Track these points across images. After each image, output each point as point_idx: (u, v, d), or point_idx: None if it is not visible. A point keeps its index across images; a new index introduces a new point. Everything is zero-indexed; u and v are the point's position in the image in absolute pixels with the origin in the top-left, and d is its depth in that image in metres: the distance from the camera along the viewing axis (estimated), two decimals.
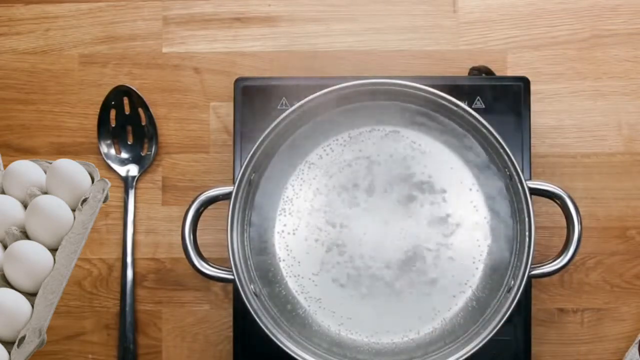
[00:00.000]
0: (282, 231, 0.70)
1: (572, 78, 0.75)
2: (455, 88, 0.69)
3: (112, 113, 0.76)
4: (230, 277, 0.66)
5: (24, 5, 0.77)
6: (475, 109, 0.67)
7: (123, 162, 0.76)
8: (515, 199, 0.67)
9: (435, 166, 0.70)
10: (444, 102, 0.66)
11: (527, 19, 0.76)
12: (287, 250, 0.70)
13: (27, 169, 0.63)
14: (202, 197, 0.66)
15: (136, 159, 0.76)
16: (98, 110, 0.76)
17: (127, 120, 0.76)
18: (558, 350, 0.73)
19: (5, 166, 0.65)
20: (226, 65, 0.76)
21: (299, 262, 0.70)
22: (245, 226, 0.69)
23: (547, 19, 0.76)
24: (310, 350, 0.66)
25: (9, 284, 0.60)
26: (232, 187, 0.66)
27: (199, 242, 0.66)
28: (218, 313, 0.74)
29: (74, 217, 0.61)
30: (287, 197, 0.70)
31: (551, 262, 0.66)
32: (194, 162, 0.75)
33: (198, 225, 0.66)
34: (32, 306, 0.59)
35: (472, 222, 0.69)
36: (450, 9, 0.76)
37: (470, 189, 0.69)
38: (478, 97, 0.71)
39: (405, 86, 0.67)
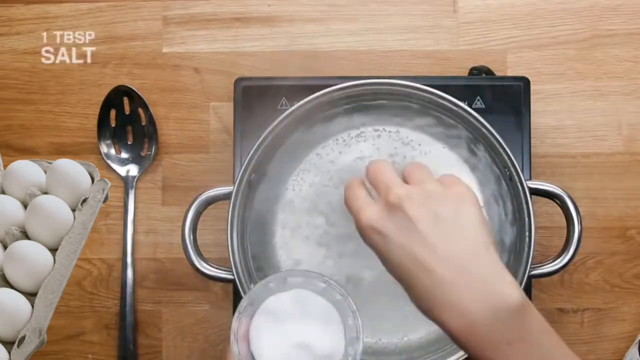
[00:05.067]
0: (283, 231, 0.70)
1: (572, 78, 0.75)
2: (455, 88, 0.69)
3: (112, 113, 0.76)
4: (230, 277, 0.66)
5: (24, 5, 0.77)
6: (475, 109, 0.67)
7: (123, 162, 0.76)
8: (515, 199, 0.67)
9: (436, 166, 0.69)
10: (444, 102, 0.66)
11: (527, 19, 0.76)
12: (287, 250, 0.70)
13: (27, 169, 0.63)
14: (202, 197, 0.66)
15: (136, 159, 0.76)
16: (98, 110, 0.76)
17: (127, 120, 0.76)
18: None
19: (5, 166, 0.65)
20: (226, 65, 0.76)
21: (299, 263, 0.70)
22: (245, 226, 0.68)
23: (547, 19, 0.76)
24: None
25: (9, 284, 0.60)
26: (232, 187, 0.66)
27: (199, 242, 0.66)
28: (218, 313, 0.74)
29: (74, 217, 0.61)
30: (287, 197, 0.70)
31: (551, 262, 0.66)
32: (194, 162, 0.75)
33: (198, 225, 0.66)
34: (32, 306, 0.59)
35: None
36: (450, 9, 0.76)
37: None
38: (478, 97, 0.71)
39: (406, 86, 0.67)
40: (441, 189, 0.53)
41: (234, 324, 0.55)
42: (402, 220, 0.51)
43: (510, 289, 0.49)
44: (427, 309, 0.51)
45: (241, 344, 0.54)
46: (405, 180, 0.55)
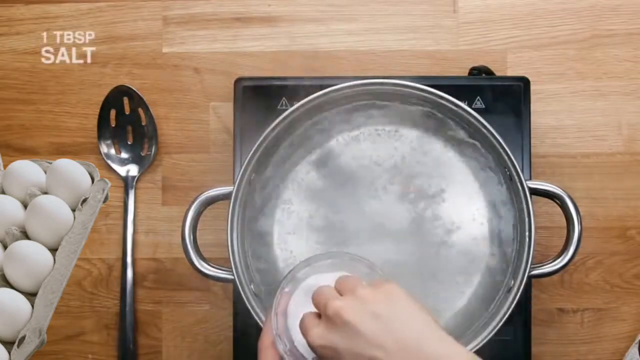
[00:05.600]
0: (282, 231, 0.70)
1: (572, 78, 0.75)
2: (455, 88, 0.69)
3: (112, 113, 0.76)
4: (230, 277, 0.66)
5: (24, 5, 0.77)
6: (475, 109, 0.67)
7: (123, 162, 0.76)
8: (515, 199, 0.67)
9: (435, 166, 0.70)
10: (444, 102, 0.66)
11: (527, 19, 0.76)
12: (287, 250, 0.70)
13: (27, 169, 0.63)
14: (202, 197, 0.66)
15: (136, 159, 0.76)
16: (98, 110, 0.76)
17: (127, 120, 0.76)
18: (558, 350, 0.73)
19: (5, 166, 0.65)
20: (226, 65, 0.76)
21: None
22: (245, 226, 0.68)
23: (547, 19, 0.76)
24: None
25: (9, 284, 0.60)
26: (232, 187, 0.66)
27: (199, 242, 0.66)
28: (218, 313, 0.74)
29: (74, 217, 0.61)
30: (287, 197, 0.70)
31: (551, 262, 0.66)
32: (194, 162, 0.75)
33: (198, 225, 0.66)
34: (32, 306, 0.59)
35: (472, 222, 0.69)
36: (450, 9, 0.76)
37: (470, 189, 0.69)
38: (478, 97, 0.71)
39: (406, 86, 0.67)
40: (370, 290, 0.54)
41: (276, 298, 0.56)
42: (344, 329, 0.52)
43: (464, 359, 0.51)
44: None
45: (280, 318, 0.56)
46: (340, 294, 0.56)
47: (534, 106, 0.72)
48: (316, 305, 0.55)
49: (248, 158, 0.66)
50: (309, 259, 0.58)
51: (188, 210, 0.66)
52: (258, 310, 0.65)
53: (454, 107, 0.66)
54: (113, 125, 0.76)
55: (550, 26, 0.75)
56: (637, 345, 0.71)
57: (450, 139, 0.70)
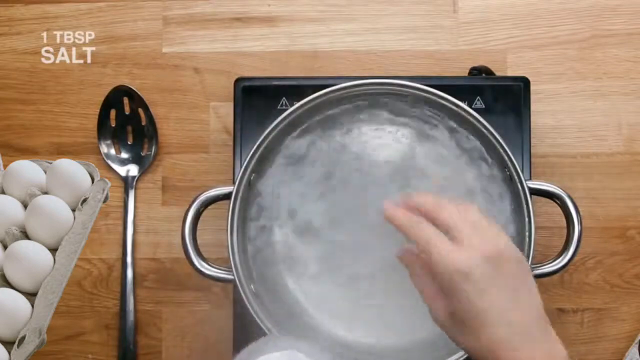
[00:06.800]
0: (282, 231, 0.70)
1: (572, 78, 0.75)
2: (455, 88, 0.69)
3: (112, 113, 0.76)
4: (230, 277, 0.66)
5: (24, 5, 0.77)
6: (475, 109, 0.67)
7: (123, 162, 0.76)
8: (515, 199, 0.67)
9: (435, 166, 0.70)
10: (444, 102, 0.66)
11: (527, 19, 0.76)
12: (287, 250, 0.70)
13: (27, 169, 0.63)
14: (202, 197, 0.66)
15: (136, 159, 0.76)
16: (98, 110, 0.76)
17: (127, 120, 0.76)
18: None
19: (5, 166, 0.65)
20: (226, 65, 0.76)
21: (299, 262, 0.70)
22: (245, 226, 0.68)
23: (547, 19, 0.76)
24: None
25: (9, 284, 0.60)
26: (232, 187, 0.66)
27: (199, 242, 0.66)
28: (218, 313, 0.74)
29: (74, 217, 0.61)
30: (287, 197, 0.70)
31: (551, 262, 0.66)
32: (194, 162, 0.75)
33: (198, 225, 0.66)
34: (32, 306, 0.59)
35: None
36: (450, 9, 0.76)
37: (469, 189, 0.69)
38: (478, 97, 0.71)
39: (406, 86, 0.67)
40: (514, 248, 0.55)
41: None
42: (495, 270, 0.53)
43: (560, 347, 0.53)
44: (487, 351, 0.53)
45: None
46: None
47: (534, 106, 0.72)
48: (450, 225, 0.55)
49: (248, 158, 0.66)
50: (257, 341, 0.57)
51: (188, 210, 0.66)
52: (258, 310, 0.65)
53: (454, 107, 0.66)
54: (113, 125, 0.76)
55: (550, 26, 0.76)
56: (637, 345, 0.71)
57: (449, 139, 0.70)
